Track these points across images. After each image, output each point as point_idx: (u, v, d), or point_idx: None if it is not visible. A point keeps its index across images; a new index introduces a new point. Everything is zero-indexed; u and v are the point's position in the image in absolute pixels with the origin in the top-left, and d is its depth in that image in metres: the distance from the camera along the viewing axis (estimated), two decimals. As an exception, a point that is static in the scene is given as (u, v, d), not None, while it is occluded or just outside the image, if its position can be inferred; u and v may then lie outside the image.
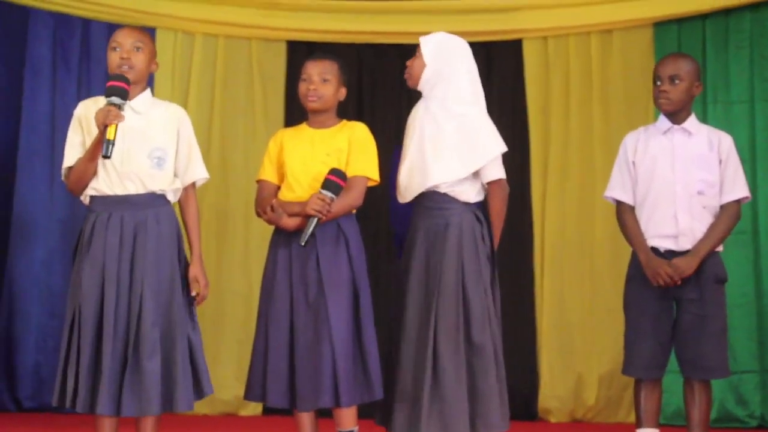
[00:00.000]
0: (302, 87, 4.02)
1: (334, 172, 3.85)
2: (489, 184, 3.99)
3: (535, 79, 6.32)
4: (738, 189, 4.05)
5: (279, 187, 4.02)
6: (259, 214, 4.03)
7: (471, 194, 3.96)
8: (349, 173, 3.92)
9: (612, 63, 6.21)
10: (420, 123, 4.01)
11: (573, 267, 6.17)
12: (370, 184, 4.02)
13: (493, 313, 3.88)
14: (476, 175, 3.97)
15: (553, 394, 6.12)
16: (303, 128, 4.09)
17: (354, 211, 4.08)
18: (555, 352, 6.15)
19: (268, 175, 4.05)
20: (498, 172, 3.99)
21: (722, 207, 4.01)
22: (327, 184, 3.83)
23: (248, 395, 4.01)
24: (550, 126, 6.28)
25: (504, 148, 4.01)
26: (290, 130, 4.17)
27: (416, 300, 3.89)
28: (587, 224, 6.19)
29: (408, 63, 4.09)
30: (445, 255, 3.85)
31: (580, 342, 6.11)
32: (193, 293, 3.77)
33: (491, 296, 3.90)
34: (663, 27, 6.12)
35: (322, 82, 3.97)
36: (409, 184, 3.99)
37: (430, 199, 3.94)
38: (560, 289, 6.18)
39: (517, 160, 6.27)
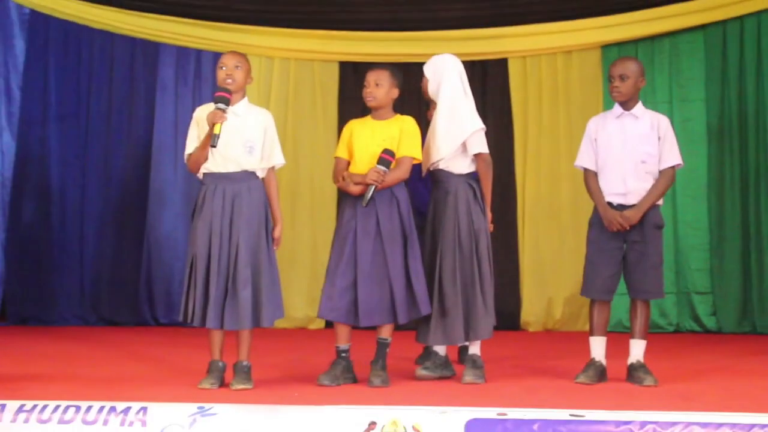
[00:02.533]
0: (363, 91, 3.92)
1: (386, 151, 3.77)
2: (474, 157, 3.88)
3: (517, 88, 6.27)
4: (672, 157, 3.86)
5: (349, 162, 3.91)
6: (335, 181, 3.94)
7: (463, 167, 3.87)
8: (399, 154, 3.82)
9: (571, 76, 6.15)
10: (433, 121, 3.98)
11: (545, 220, 6.15)
12: (415, 161, 3.91)
13: (484, 253, 3.82)
14: (464, 151, 3.87)
15: (531, 311, 6.11)
16: (368, 120, 3.97)
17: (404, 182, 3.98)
18: (532, 282, 6.14)
19: (342, 153, 3.92)
20: (479, 147, 3.84)
21: (660, 172, 3.85)
22: (380, 161, 3.75)
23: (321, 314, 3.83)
24: (528, 123, 6.24)
25: (479, 126, 3.86)
26: (358, 121, 4.01)
27: (427, 249, 3.88)
28: (555, 190, 6.17)
29: (422, 84, 4.04)
30: (445, 215, 3.83)
31: (550, 274, 6.09)
32: (276, 235, 3.68)
33: (484, 241, 3.83)
34: (609, 48, 6.07)
35: (376, 86, 3.86)
36: (424, 164, 3.97)
37: (435, 174, 3.92)
38: (536, 236, 6.16)
39: (505, 147, 6.25)
